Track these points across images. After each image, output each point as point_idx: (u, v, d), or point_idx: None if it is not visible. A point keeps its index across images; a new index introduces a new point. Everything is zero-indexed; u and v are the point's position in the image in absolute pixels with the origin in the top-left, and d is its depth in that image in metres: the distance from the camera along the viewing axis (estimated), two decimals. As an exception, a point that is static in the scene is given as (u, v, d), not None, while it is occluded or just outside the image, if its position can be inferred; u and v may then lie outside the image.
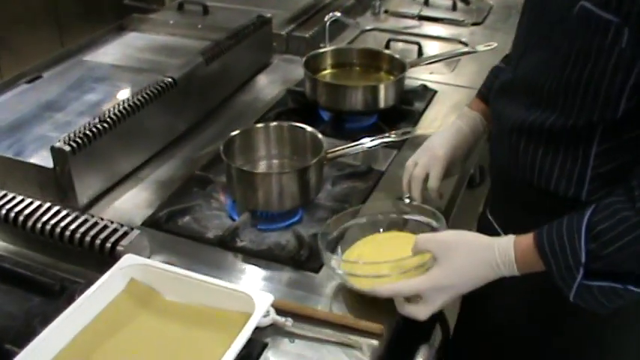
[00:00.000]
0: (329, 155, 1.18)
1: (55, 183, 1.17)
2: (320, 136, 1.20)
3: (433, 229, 1.07)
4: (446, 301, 0.93)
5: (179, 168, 1.31)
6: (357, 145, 1.21)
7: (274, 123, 1.26)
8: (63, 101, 1.46)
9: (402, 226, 1.12)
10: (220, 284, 0.95)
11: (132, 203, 1.21)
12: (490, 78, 1.21)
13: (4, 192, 1.14)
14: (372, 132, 1.41)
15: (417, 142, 1.36)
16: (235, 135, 1.20)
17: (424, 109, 1.53)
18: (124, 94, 1.47)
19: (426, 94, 1.60)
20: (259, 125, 1.25)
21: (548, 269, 0.88)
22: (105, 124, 1.20)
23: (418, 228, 1.09)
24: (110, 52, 1.68)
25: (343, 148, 1.20)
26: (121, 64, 1.62)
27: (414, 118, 1.49)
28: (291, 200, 1.15)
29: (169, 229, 1.14)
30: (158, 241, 1.12)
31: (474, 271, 0.92)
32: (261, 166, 1.25)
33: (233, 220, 1.17)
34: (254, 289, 0.95)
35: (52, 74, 1.57)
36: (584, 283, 0.86)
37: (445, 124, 1.44)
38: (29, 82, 1.53)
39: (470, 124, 1.18)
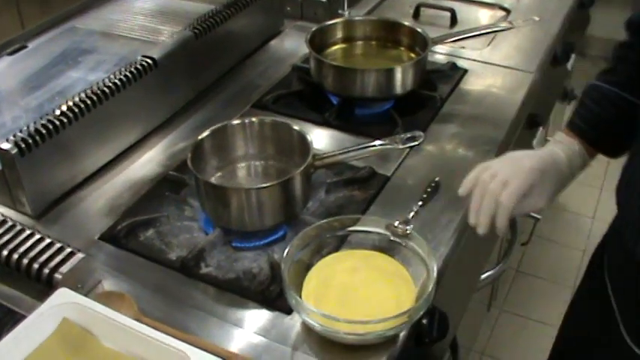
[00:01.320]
0: (318, 162, 0.98)
1: (6, 187, 1.01)
2: (309, 138, 0.99)
3: (427, 267, 0.87)
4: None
5: (154, 166, 1.13)
6: (352, 150, 0.99)
7: (254, 119, 1.05)
8: (42, 78, 1.27)
9: (392, 251, 0.92)
10: (158, 338, 0.77)
11: (93, 210, 1.04)
12: (589, 106, 0.97)
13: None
14: (384, 122, 1.22)
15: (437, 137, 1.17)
16: (205, 137, 1.01)
17: (449, 95, 1.30)
18: (106, 71, 1.28)
19: (454, 73, 1.35)
20: (236, 122, 1.05)
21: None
22: (63, 118, 1.02)
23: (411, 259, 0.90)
24: (103, 17, 1.47)
25: (335, 155, 0.99)
26: (112, 31, 1.42)
27: (435, 106, 1.26)
28: (270, 217, 0.96)
29: (127, 246, 0.97)
30: (114, 259, 0.95)
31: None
32: (240, 170, 1.05)
33: (206, 234, 0.98)
34: (200, 347, 0.77)
35: (39, 44, 1.38)
36: None
37: (471, 117, 1.23)
38: (12, 53, 1.35)
39: (567, 152, 0.95)
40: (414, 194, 1.04)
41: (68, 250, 0.89)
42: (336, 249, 0.93)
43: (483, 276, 1.30)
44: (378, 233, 0.93)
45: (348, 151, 0.99)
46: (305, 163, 0.95)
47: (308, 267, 0.90)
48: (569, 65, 1.74)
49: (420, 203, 1.02)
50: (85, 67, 1.31)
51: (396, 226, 0.94)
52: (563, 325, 1.17)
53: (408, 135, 1.02)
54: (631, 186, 0.89)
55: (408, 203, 1.02)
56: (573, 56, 1.75)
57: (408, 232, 0.92)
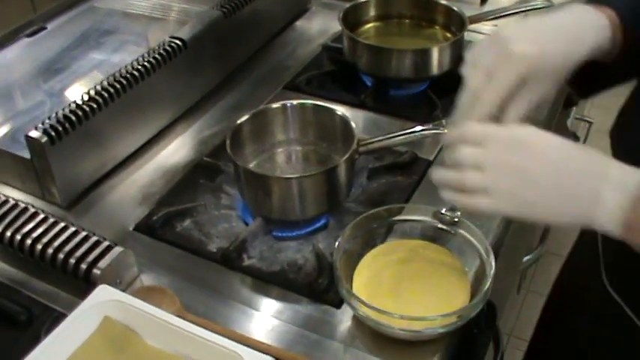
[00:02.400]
0: (362, 149, 0.93)
1: (36, 176, 0.96)
2: (352, 124, 0.94)
3: (480, 258, 0.83)
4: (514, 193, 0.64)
5: (186, 151, 1.07)
6: (398, 135, 0.93)
7: (294, 102, 0.99)
8: (64, 60, 1.22)
9: (441, 240, 0.87)
10: (206, 336, 0.73)
11: (126, 199, 0.99)
12: None
13: (-25, 186, 0.94)
14: (421, 103, 1.16)
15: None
16: (243, 122, 0.96)
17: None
18: (129, 52, 1.23)
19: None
20: (275, 105, 0.99)
21: None
22: (93, 104, 0.96)
23: (461, 247, 0.85)
24: (125, -4, 1.42)
25: (380, 140, 0.93)
26: (134, 10, 1.37)
27: (474, 86, 1.19)
28: (313, 207, 0.91)
29: (165, 237, 0.92)
30: (151, 251, 0.91)
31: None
32: (280, 156, 1.00)
33: (245, 223, 0.94)
34: (250, 345, 0.72)
35: (58, 25, 1.33)
36: None
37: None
38: (30, 35, 1.30)
39: (590, 23, 0.73)
40: (459, 179, 0.99)
41: (105, 243, 0.84)
42: (384, 239, 0.89)
43: (523, 259, 1.25)
44: (426, 221, 0.88)
45: (394, 137, 0.93)
46: (350, 149, 0.90)
47: (357, 258, 0.86)
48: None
49: (466, 189, 0.96)
50: (108, 48, 1.26)
51: (443, 214, 0.89)
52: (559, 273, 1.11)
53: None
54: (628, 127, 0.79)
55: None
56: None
57: (456, 219, 0.87)
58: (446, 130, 0.93)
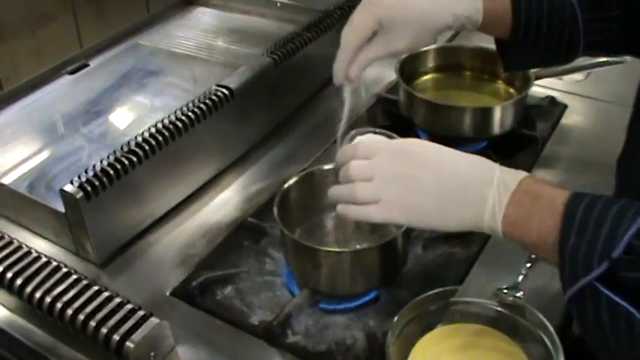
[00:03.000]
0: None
1: (70, 231, 0.92)
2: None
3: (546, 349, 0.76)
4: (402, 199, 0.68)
5: (230, 209, 1.03)
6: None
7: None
8: (104, 102, 1.19)
9: (502, 325, 0.81)
10: None
11: (163, 260, 0.95)
12: None
13: (8, 238, 0.90)
14: None
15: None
16: (291, 185, 0.91)
17: (550, 135, 1.18)
18: (173, 96, 1.19)
19: (553, 110, 1.23)
20: (326, 167, 0.94)
21: (562, 242, 0.61)
22: (133, 157, 0.93)
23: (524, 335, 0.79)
24: (171, 34, 1.39)
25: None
26: (181, 50, 1.34)
27: (536, 148, 1.13)
28: (365, 282, 0.86)
29: (203, 306, 0.87)
30: (188, 321, 0.86)
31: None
32: (330, 222, 0.95)
33: (291, 292, 0.89)
34: None
35: (101, 62, 1.31)
36: (595, 285, 0.59)
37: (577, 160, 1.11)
38: (73, 72, 1.27)
39: None
40: (522, 253, 0.91)
41: (140, 313, 0.79)
42: (439, 321, 0.82)
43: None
44: (486, 304, 0.82)
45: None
46: (407, 221, 0.84)
47: (411, 342, 0.79)
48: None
49: (529, 265, 0.90)
50: (151, 90, 1.23)
51: (505, 293, 0.83)
52: None
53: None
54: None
55: (515, 264, 0.90)
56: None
57: (518, 301, 0.81)
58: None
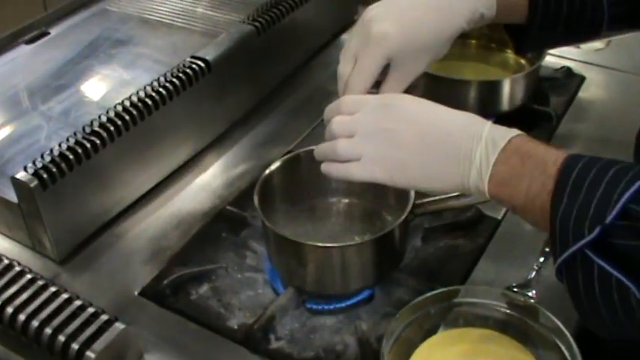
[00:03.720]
0: (419, 210, 0.84)
1: (24, 224, 0.88)
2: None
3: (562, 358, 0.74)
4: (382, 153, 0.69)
5: (207, 196, 1.00)
6: (463, 195, 0.84)
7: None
8: (67, 76, 1.14)
9: (512, 329, 0.78)
10: None
11: (132, 254, 0.92)
12: None
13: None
14: None
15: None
16: (274, 170, 0.88)
17: (565, 110, 1.14)
18: (145, 69, 1.15)
19: (569, 82, 1.20)
20: (313, 148, 0.89)
21: (553, 205, 0.61)
22: (97, 139, 0.89)
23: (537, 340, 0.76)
24: (143, -1, 1.35)
25: (441, 200, 0.84)
26: (153, 17, 1.29)
27: (550, 125, 1.10)
28: (357, 280, 0.83)
29: (176, 307, 0.84)
30: (158, 324, 0.83)
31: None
32: (318, 211, 0.92)
33: (274, 291, 0.86)
34: None
35: (64, 30, 1.26)
36: (586, 253, 0.59)
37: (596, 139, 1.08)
38: (30, 41, 1.22)
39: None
40: (533, 245, 0.89)
41: (104, 317, 0.75)
42: (441, 325, 0.79)
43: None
44: (494, 305, 0.79)
45: (456, 197, 0.84)
46: (405, 211, 0.81)
47: (410, 349, 0.76)
48: None
49: (542, 259, 0.87)
50: (120, 62, 1.19)
51: (515, 291, 0.81)
52: None
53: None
54: None
55: (527, 257, 0.88)
56: None
57: (530, 301, 0.78)
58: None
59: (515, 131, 0.67)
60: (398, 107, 0.70)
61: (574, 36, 0.92)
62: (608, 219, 0.57)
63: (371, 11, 0.80)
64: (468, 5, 0.82)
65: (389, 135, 0.68)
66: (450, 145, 0.67)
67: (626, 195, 0.57)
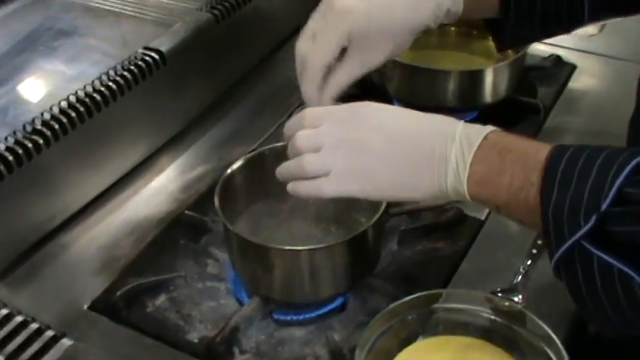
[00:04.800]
0: (394, 209, 0.89)
1: (-43, 233, 0.91)
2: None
3: None
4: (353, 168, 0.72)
5: (163, 200, 1.04)
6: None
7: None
8: (4, 71, 1.16)
9: (497, 337, 0.82)
10: None
11: (81, 265, 0.95)
12: None
13: None
14: None
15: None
16: (236, 170, 0.92)
17: (554, 101, 1.20)
18: (92, 62, 1.18)
19: (559, 71, 1.26)
20: (279, 146, 0.94)
21: (543, 199, 0.64)
22: (39, 138, 0.92)
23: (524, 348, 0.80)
24: (89, -16, 1.38)
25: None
26: (100, 5, 1.32)
27: (537, 118, 1.16)
28: (328, 286, 0.87)
29: (130, 321, 0.88)
30: (111, 339, 0.86)
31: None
32: (285, 213, 0.96)
33: (238, 301, 0.90)
34: None
35: (-1, 18, 1.29)
36: (584, 245, 0.61)
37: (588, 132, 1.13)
38: (-42, 31, 1.25)
39: None
40: (519, 247, 0.94)
41: (50, 333, 0.79)
42: (420, 333, 0.83)
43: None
44: (477, 311, 0.83)
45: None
46: (379, 211, 0.85)
47: (387, 359, 0.80)
48: None
49: (529, 262, 0.91)
50: (63, 55, 1.21)
51: (499, 297, 0.85)
52: None
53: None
54: None
55: (512, 260, 0.92)
56: None
57: (515, 307, 0.83)
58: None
59: (490, 128, 0.70)
60: (364, 115, 0.73)
61: (555, 28, 0.97)
62: (604, 206, 0.60)
63: None
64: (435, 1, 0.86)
65: (357, 145, 0.71)
66: (422, 148, 0.70)
67: (620, 178, 0.60)
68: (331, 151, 0.71)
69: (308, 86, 0.84)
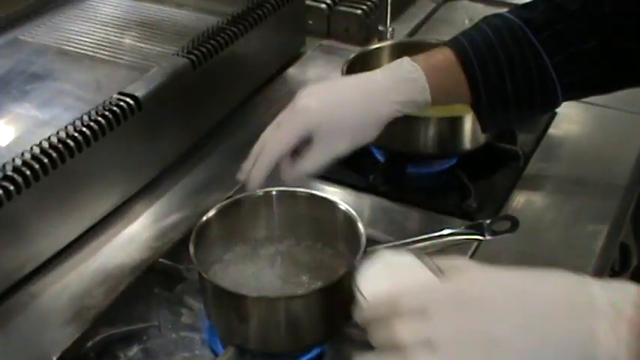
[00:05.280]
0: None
1: None
2: (360, 226, 0.91)
3: None
4: None
5: (136, 249, 1.05)
6: (420, 241, 0.92)
7: (281, 190, 0.98)
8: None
9: None
10: None
11: (50, 315, 0.95)
12: (482, 30, 0.99)
13: None
14: (447, 186, 1.18)
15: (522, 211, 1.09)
16: (210, 218, 0.94)
17: (534, 148, 1.24)
18: (65, 107, 1.20)
19: (539, 118, 1.29)
20: (255, 195, 0.98)
21: None
22: (9, 184, 0.93)
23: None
24: (61, 27, 1.40)
25: (397, 245, 0.92)
26: (74, 48, 1.35)
27: (517, 165, 1.19)
28: (306, 336, 0.88)
29: None
30: None
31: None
32: (261, 260, 0.97)
33: (213, 352, 0.91)
34: None
35: (-33, 63, 1.31)
36: None
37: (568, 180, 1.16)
38: None
39: (397, 78, 0.95)
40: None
41: None
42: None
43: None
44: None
45: (413, 242, 0.93)
46: (355, 259, 0.87)
47: None
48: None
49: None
50: (36, 99, 1.23)
51: None
52: None
53: (497, 220, 0.94)
54: None
55: None
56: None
57: None
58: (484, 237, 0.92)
59: (629, 286, 0.62)
60: (481, 298, 0.63)
61: (530, 112, 1.05)
62: None
63: (304, 89, 0.96)
64: (397, 92, 0.94)
65: (483, 339, 0.61)
66: (561, 329, 0.61)
67: None
68: (451, 349, 0.61)
69: (259, 168, 0.92)
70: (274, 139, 0.93)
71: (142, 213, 1.11)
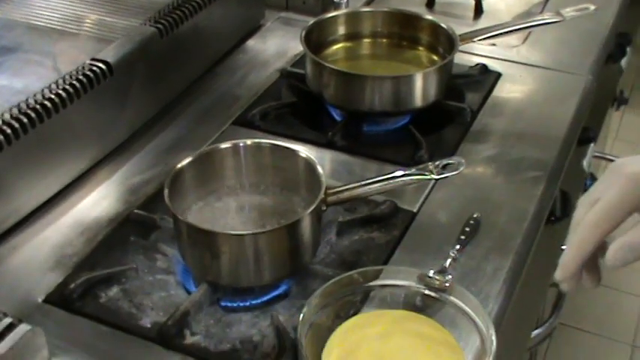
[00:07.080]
0: (331, 199, 0.98)
1: None
2: (319, 169, 0.99)
3: (479, 332, 0.88)
4: None
5: (112, 202, 1.11)
6: (374, 182, 0.99)
7: (248, 142, 1.05)
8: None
9: (429, 310, 0.93)
10: None
11: (34, 263, 1.01)
12: None
13: None
14: (401, 141, 1.24)
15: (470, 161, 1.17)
16: (185, 165, 1.01)
17: (480, 106, 1.32)
18: (37, 76, 1.26)
19: (485, 79, 1.38)
20: (224, 146, 1.04)
21: None
22: (-6, 141, 0.99)
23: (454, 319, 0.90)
24: (28, 3, 1.44)
25: (352, 188, 0.99)
26: (42, 23, 1.40)
27: (465, 121, 1.27)
28: (272, 271, 0.96)
29: (85, 311, 0.95)
30: (67, 329, 0.93)
31: None
32: (230, 207, 1.05)
33: (187, 291, 0.98)
34: None
35: (-59, 39, 1.36)
36: None
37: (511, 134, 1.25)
38: None
39: None
40: (449, 235, 1.05)
41: (6, 320, 0.85)
42: (359, 309, 0.93)
43: (532, 334, 1.31)
44: (410, 287, 0.94)
45: (369, 184, 0.99)
46: (316, 200, 0.95)
47: (327, 333, 0.90)
48: (623, 62, 1.79)
49: (458, 247, 1.02)
50: (9, 70, 1.26)
51: (430, 277, 0.94)
52: None
53: (445, 162, 1.01)
54: None
55: (443, 247, 1.02)
56: (629, 51, 1.80)
57: (447, 284, 0.93)
58: (433, 176, 0.99)
59: None
60: None
61: None
62: None
63: (623, 159, 0.73)
64: None
65: None
66: None
67: None
68: None
69: (575, 254, 0.72)
70: (591, 214, 0.71)
71: (115, 171, 1.16)
